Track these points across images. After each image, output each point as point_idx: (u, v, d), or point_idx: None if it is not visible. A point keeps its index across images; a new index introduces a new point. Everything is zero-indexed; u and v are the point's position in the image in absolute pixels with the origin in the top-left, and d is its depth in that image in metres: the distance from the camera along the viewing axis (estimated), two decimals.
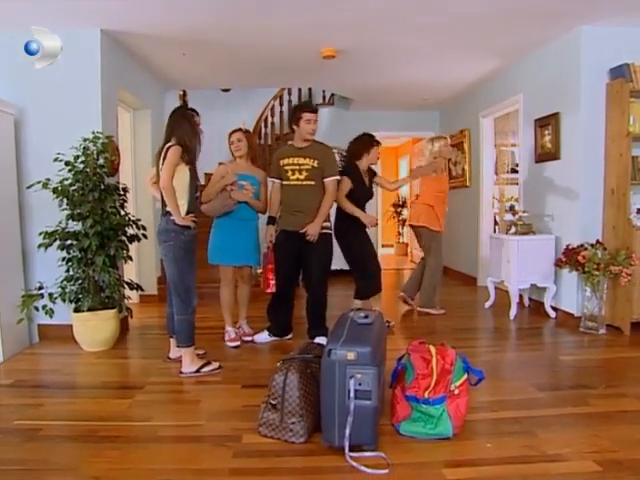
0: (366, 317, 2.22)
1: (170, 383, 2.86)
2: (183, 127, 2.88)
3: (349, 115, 7.04)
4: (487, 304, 4.70)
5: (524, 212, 4.35)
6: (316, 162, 3.38)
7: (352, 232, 3.71)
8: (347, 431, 1.92)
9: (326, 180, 3.42)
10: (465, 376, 2.18)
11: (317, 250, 3.40)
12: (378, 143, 4.07)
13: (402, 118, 7.15)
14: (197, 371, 2.95)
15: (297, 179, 3.40)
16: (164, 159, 2.86)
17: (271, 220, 3.54)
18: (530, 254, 4.15)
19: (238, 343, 3.53)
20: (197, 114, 3.08)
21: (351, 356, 1.93)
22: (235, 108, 7.01)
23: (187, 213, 2.90)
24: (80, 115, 3.71)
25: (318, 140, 3.51)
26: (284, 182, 3.45)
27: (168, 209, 2.86)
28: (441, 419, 2.11)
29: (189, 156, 2.88)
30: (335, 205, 3.68)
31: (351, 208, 3.67)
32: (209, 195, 3.47)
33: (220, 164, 3.60)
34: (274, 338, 3.61)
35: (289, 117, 3.48)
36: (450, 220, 6.81)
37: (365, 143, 3.96)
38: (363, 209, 3.79)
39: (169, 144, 2.85)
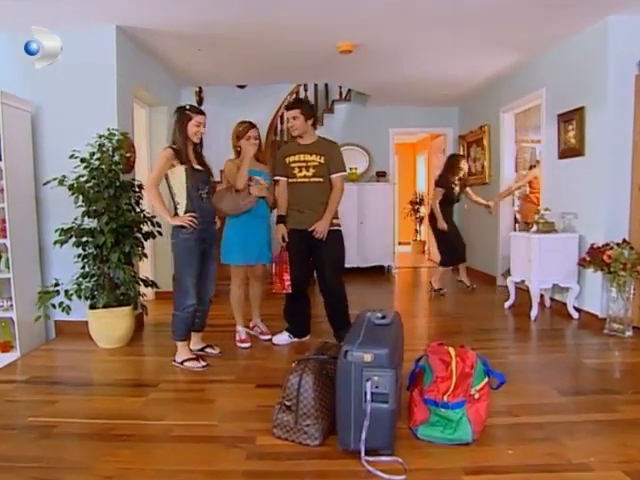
0: (383, 317, 2.15)
1: (184, 382, 2.84)
2: (174, 128, 2.95)
3: (366, 111, 6.96)
4: (507, 304, 4.58)
5: (546, 210, 4.22)
6: (322, 158, 3.31)
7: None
8: (363, 435, 1.87)
9: (333, 176, 3.34)
10: (486, 380, 2.11)
11: (327, 248, 3.32)
12: (464, 157, 5.60)
13: (420, 114, 7.04)
14: (181, 363, 3.01)
15: (304, 176, 3.33)
16: None
17: (281, 219, 3.44)
18: (552, 253, 4.03)
19: (249, 344, 3.46)
20: (197, 113, 2.99)
21: (368, 358, 1.87)
22: (251, 104, 6.94)
23: (186, 212, 2.91)
24: (96, 112, 3.71)
25: (323, 136, 3.47)
26: (291, 180, 3.38)
27: (177, 207, 2.90)
28: (460, 424, 2.04)
29: (182, 157, 2.89)
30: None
31: (438, 213, 5.15)
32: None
33: (229, 161, 3.50)
34: (294, 339, 3.53)
35: (314, 113, 3.39)
36: (469, 218, 6.74)
37: (455, 161, 5.37)
38: (452, 208, 5.35)
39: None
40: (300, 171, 3.33)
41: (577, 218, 4.12)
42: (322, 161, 3.31)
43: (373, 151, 7.09)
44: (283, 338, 3.52)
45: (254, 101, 6.97)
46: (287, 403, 2.09)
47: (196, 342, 3.28)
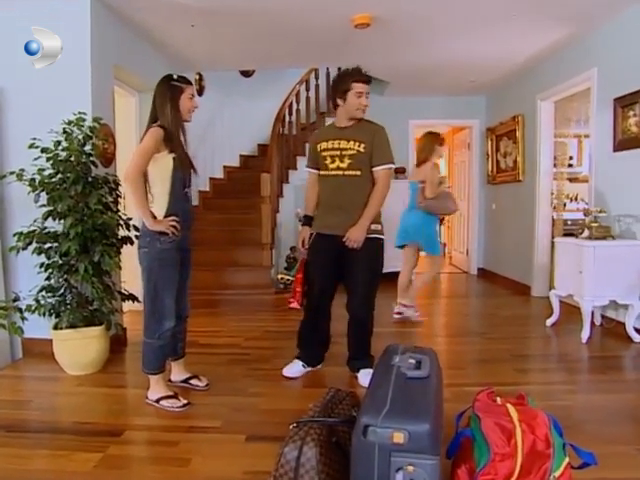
0: (418, 365, 1.53)
1: (156, 429, 2.23)
2: (161, 104, 2.31)
3: (383, 101, 6.29)
4: (549, 321, 3.92)
5: (601, 212, 3.55)
6: (362, 146, 2.63)
7: None
8: None
9: (376, 169, 2.66)
10: (567, 460, 1.48)
11: (362, 260, 2.64)
12: None
13: (443, 104, 6.38)
14: (157, 401, 2.42)
15: (338, 168, 2.67)
16: None
17: (307, 220, 2.86)
18: (610, 264, 3.36)
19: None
20: (188, 83, 2.43)
21: (399, 438, 1.25)
22: (257, 94, 6.40)
23: (167, 215, 2.31)
24: (67, 95, 3.15)
25: (367, 118, 2.76)
26: (322, 172, 2.75)
27: (151, 207, 2.29)
28: None
29: (172, 141, 2.28)
30: None
31: None
32: (437, 193, 3.93)
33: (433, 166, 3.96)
34: (309, 369, 2.88)
35: (333, 88, 2.72)
36: (499, 219, 6.06)
37: None
38: None
39: (152, 125, 2.28)
40: (333, 161, 2.67)
41: (639, 222, 3.44)
42: (362, 149, 2.63)
43: (391, 145, 6.43)
44: (297, 369, 2.84)
45: (261, 90, 6.41)
46: None
47: (179, 371, 2.69)
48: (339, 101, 2.67)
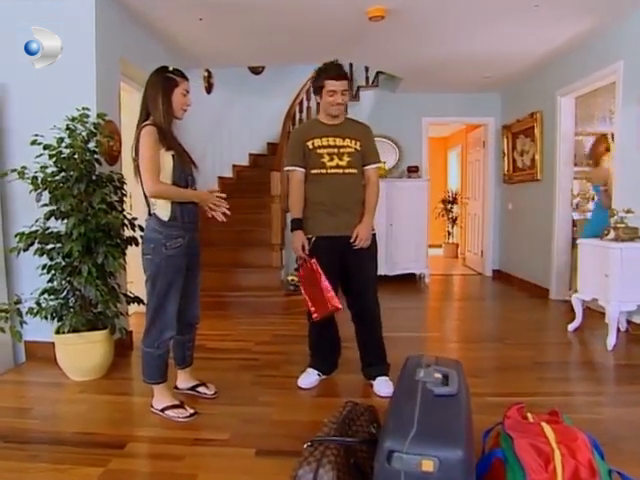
0: (445, 380, 1.39)
1: (160, 441, 2.11)
2: (153, 97, 2.19)
3: (395, 98, 6.17)
4: (571, 326, 3.75)
5: (628, 212, 3.37)
6: (358, 144, 2.60)
7: None
8: None
9: (369, 168, 2.67)
10: None
11: (368, 257, 2.63)
12: None
13: (456, 102, 6.20)
14: (162, 410, 2.30)
15: (337, 166, 2.57)
16: (137, 146, 2.17)
17: (299, 224, 2.64)
18: (638, 266, 3.20)
19: None
20: (185, 78, 2.28)
21: (428, 466, 1.11)
22: (267, 92, 6.29)
23: (171, 219, 2.19)
24: (71, 91, 3.04)
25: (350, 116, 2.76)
26: (315, 170, 2.60)
27: (154, 210, 2.17)
28: None
29: (166, 138, 2.16)
30: None
31: None
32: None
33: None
34: (324, 377, 2.75)
35: (312, 84, 2.69)
36: (515, 219, 5.88)
37: None
38: None
39: (143, 124, 2.16)
40: (331, 159, 2.56)
41: None
42: (358, 147, 2.60)
43: (403, 143, 6.30)
44: (313, 379, 2.70)
45: (270, 88, 6.31)
46: None
47: (186, 379, 2.58)
48: (317, 98, 2.62)
